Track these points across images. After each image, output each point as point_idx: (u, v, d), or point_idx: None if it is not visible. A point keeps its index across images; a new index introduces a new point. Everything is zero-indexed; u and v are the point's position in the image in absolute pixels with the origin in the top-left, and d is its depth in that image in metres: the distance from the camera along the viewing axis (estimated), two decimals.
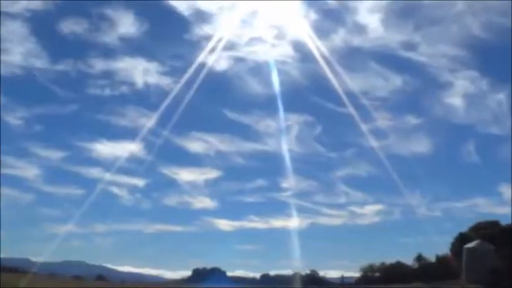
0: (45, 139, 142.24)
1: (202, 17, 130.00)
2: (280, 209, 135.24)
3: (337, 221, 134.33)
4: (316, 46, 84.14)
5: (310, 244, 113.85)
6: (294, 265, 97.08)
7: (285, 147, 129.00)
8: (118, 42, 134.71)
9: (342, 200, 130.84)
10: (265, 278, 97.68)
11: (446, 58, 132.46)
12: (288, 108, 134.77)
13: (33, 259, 75.05)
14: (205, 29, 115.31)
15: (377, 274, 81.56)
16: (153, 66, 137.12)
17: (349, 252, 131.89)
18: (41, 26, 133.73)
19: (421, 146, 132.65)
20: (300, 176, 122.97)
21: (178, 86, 76.66)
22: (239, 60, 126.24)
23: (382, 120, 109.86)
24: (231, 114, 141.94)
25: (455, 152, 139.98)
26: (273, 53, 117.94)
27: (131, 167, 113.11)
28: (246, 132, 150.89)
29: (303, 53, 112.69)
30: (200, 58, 78.29)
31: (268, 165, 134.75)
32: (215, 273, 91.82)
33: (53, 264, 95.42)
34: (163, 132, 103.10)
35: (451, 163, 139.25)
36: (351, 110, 76.80)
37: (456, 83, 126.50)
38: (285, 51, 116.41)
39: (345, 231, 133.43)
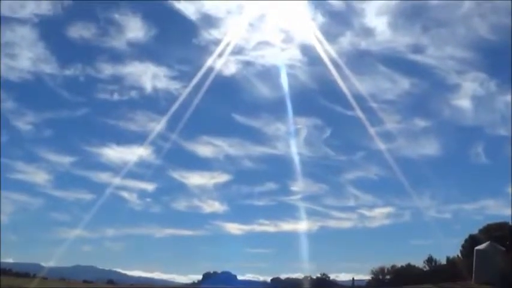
0: (54, 144, 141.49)
1: (210, 21, 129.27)
2: (289, 212, 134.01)
3: (346, 224, 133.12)
4: (324, 49, 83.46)
5: (320, 247, 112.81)
6: (304, 268, 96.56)
7: (294, 150, 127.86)
8: (126, 47, 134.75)
9: (352, 203, 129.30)
10: (275, 281, 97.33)
11: (454, 60, 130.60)
12: (297, 112, 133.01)
13: (44, 264, 75.53)
14: (213, 33, 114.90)
15: (388, 277, 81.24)
16: (161, 70, 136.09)
17: (359, 255, 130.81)
18: (49, 31, 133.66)
19: (430, 148, 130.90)
20: (310, 179, 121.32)
21: (187, 90, 76.13)
22: (247, 64, 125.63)
23: (391, 123, 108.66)
24: (240, 118, 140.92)
25: (463, 154, 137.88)
26: (281, 56, 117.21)
27: (140, 171, 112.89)
28: (255, 136, 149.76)
29: (311, 57, 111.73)
30: (208, 62, 78.04)
31: (278, 169, 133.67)
32: (226, 277, 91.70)
33: (64, 268, 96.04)
34: (172, 136, 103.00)
35: (460, 165, 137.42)
36: (359, 113, 76.49)
37: (464, 85, 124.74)
38: (293, 54, 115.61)
39: (354, 234, 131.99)
